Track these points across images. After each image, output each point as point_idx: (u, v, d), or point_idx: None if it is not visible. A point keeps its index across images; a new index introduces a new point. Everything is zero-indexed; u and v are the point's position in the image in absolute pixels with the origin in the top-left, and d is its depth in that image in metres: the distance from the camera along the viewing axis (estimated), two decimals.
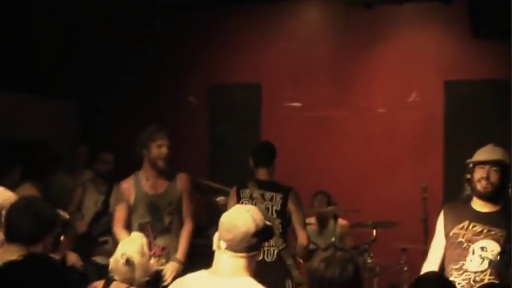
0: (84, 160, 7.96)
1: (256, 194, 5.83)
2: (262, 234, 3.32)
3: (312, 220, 7.44)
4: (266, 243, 5.56)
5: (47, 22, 8.50)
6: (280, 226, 5.77)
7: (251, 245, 3.26)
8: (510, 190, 4.67)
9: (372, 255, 6.82)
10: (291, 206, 5.80)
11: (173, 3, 8.94)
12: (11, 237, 3.68)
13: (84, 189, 7.40)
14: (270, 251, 5.74)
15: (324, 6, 8.69)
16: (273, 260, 5.73)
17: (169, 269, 5.67)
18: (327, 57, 8.70)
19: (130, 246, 4.41)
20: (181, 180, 5.97)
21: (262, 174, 5.97)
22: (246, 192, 5.88)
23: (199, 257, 4.73)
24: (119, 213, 5.78)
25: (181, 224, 5.88)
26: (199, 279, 3.35)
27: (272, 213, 5.77)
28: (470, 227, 4.59)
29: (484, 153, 4.70)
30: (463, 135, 8.01)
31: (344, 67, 8.60)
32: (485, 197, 4.62)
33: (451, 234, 4.65)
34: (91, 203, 7.30)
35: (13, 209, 3.77)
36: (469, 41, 7.89)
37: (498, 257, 4.44)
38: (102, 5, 8.68)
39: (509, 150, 7.64)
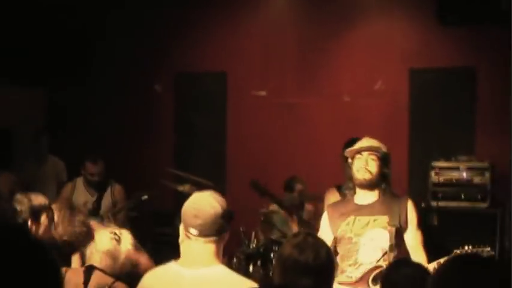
0: (47, 149, 7.90)
1: None
2: (227, 216, 3.30)
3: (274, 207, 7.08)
4: None
5: (14, 9, 8.37)
6: None
7: (220, 227, 3.25)
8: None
9: None
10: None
11: None
12: None
13: (74, 185, 7.10)
14: None
15: None
16: None
17: None
18: (293, 45, 8.68)
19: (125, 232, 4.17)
20: None
21: None
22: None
23: (167, 246, 4.72)
24: None
25: None
26: (171, 272, 3.30)
27: None
28: (356, 221, 4.69)
29: (359, 143, 4.84)
30: (428, 123, 8.07)
31: (310, 55, 8.59)
32: (366, 186, 4.73)
33: (338, 232, 4.72)
34: (80, 203, 6.74)
35: None
36: (435, 28, 7.91)
37: (389, 242, 4.58)
38: None
39: (474, 137, 7.82)
